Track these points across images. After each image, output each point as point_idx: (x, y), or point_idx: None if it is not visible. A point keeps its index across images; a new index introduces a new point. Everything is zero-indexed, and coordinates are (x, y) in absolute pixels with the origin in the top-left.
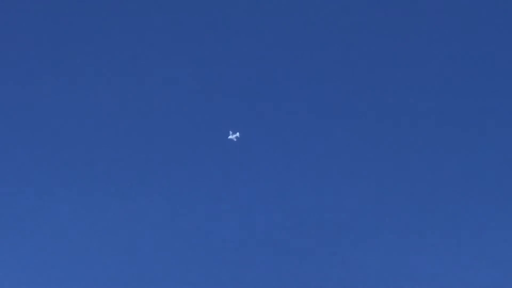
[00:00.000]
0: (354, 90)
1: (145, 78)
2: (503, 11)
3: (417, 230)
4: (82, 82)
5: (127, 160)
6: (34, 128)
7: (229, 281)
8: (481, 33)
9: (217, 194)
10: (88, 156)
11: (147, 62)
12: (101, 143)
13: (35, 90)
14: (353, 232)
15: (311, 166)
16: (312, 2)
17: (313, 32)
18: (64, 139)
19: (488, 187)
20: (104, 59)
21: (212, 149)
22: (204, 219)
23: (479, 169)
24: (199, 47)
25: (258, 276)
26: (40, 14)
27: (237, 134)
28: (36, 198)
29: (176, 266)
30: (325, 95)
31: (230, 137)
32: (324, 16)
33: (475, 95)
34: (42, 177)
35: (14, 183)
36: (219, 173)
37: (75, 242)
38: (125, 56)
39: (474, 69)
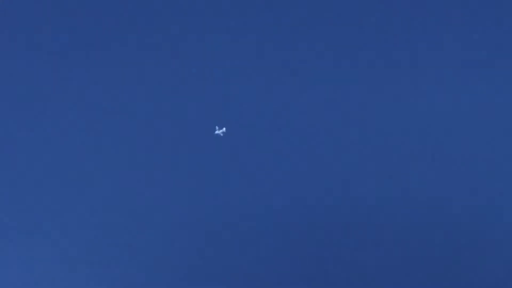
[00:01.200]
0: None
1: (131, 76)
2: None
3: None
4: (79, 82)
5: (114, 156)
6: (33, 126)
7: (225, 278)
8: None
9: (214, 189)
10: (77, 153)
11: (134, 62)
12: (88, 142)
13: (35, 88)
14: (359, 228)
15: (308, 158)
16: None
17: (309, 28)
18: (59, 138)
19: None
20: (95, 56)
21: (201, 145)
22: (201, 218)
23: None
24: (184, 43)
25: (256, 273)
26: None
27: (224, 129)
28: (34, 197)
29: (173, 264)
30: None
31: (216, 132)
32: (318, 13)
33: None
34: (40, 176)
35: (12, 182)
36: (211, 169)
37: (73, 242)
38: (113, 53)
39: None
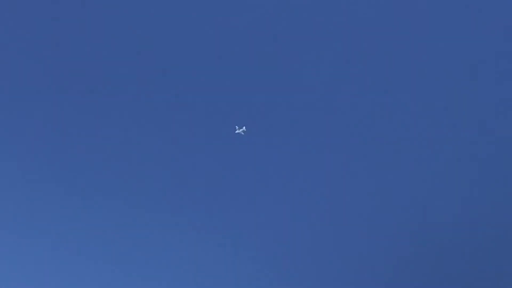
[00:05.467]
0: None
1: (147, 75)
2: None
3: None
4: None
5: (129, 154)
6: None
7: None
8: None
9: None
10: (91, 153)
11: (148, 59)
12: (102, 140)
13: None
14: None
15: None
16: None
17: (320, 28)
18: (60, 140)
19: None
20: (101, 54)
21: (221, 144)
22: (212, 217)
23: None
24: (201, 42)
25: (260, 276)
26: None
27: (244, 128)
28: (34, 198)
29: (180, 266)
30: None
31: (237, 131)
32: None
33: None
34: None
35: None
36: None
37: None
38: (126, 52)
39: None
